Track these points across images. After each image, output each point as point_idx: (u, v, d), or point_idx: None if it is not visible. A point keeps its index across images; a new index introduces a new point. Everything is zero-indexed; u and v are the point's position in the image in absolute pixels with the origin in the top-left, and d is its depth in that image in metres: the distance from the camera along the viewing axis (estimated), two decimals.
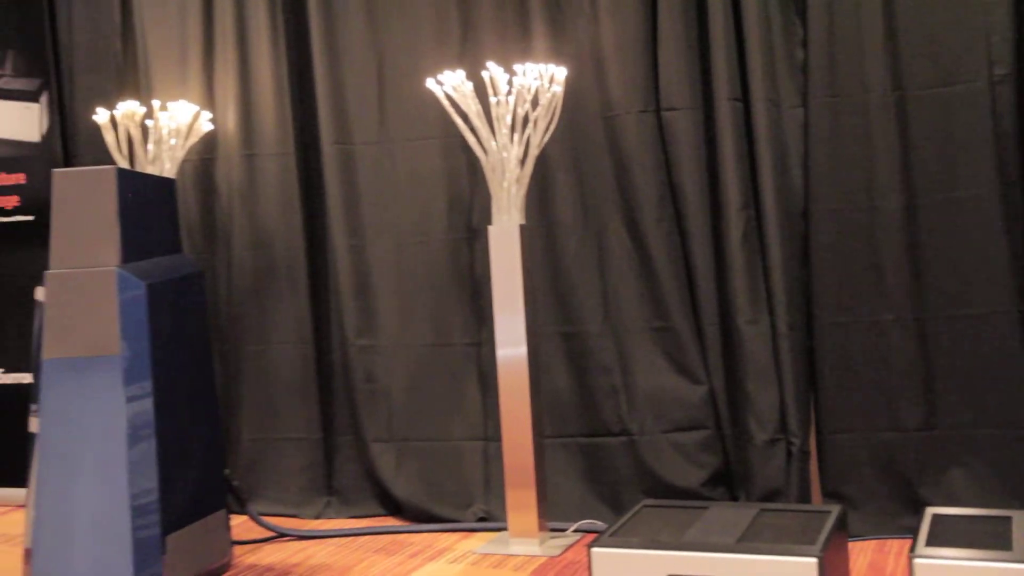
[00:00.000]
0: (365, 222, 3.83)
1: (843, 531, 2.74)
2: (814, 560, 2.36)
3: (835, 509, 2.73)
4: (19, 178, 4.23)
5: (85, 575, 2.81)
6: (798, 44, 3.35)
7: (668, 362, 3.45)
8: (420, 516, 3.68)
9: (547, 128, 3.32)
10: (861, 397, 3.29)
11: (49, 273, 2.95)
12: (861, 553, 3.06)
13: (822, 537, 2.48)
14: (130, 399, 2.88)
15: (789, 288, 3.34)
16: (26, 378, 4.22)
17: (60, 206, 2.98)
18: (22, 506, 4.14)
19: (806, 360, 3.37)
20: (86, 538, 2.84)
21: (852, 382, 3.29)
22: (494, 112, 3.29)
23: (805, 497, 3.31)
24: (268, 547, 3.53)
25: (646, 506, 2.89)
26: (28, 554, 2.90)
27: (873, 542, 3.16)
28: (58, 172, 2.99)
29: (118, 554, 2.81)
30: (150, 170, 3.71)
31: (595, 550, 2.54)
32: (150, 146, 3.74)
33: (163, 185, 3.33)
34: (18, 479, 4.17)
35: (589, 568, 2.54)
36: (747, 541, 2.51)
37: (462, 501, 3.67)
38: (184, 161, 3.82)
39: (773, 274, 3.34)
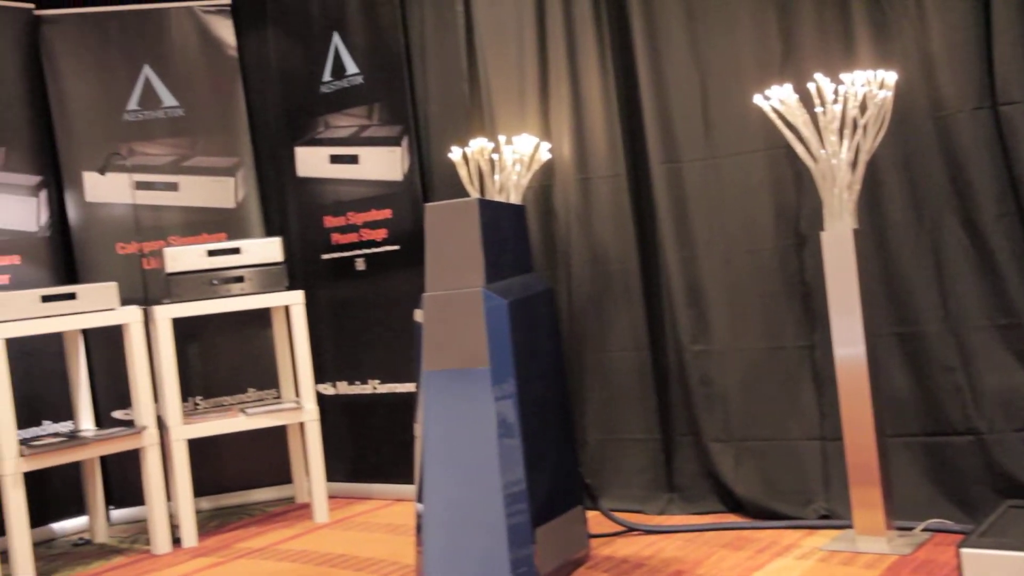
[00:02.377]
0: (695, 234, 3.89)
1: None
2: None
3: None
4: (386, 213, 4.64)
5: (467, 558, 3.06)
6: None
7: (1018, 360, 3.26)
8: (760, 513, 3.69)
9: (877, 133, 3.24)
10: None
11: (426, 296, 3.23)
12: None
13: None
14: (498, 404, 3.10)
15: None
16: (398, 388, 4.63)
17: (432, 235, 3.26)
18: (400, 500, 4.56)
19: None
20: (466, 526, 3.08)
21: None
22: (821, 121, 3.26)
23: None
24: (620, 540, 3.66)
25: (1012, 507, 2.74)
26: (419, 540, 3.19)
27: None
28: (429, 206, 3.27)
29: (495, 539, 3.02)
30: (498, 199, 3.97)
31: (965, 551, 2.45)
32: (496, 176, 4.01)
33: (515, 211, 3.56)
34: (398, 476, 4.60)
35: (959, 569, 2.44)
36: None
37: (802, 499, 3.63)
38: (526, 188, 4.06)
39: None
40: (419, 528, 3.18)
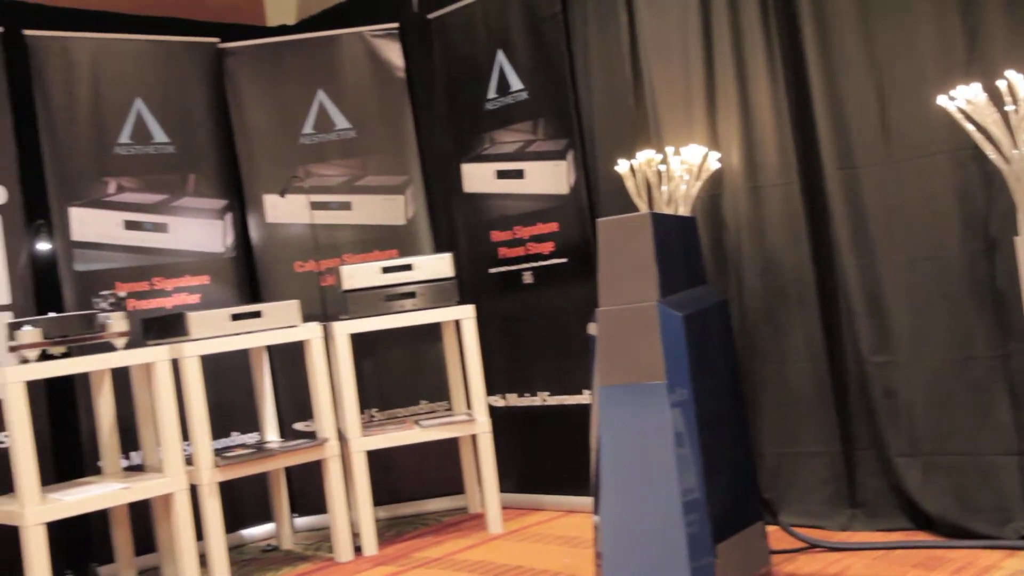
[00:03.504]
0: (873, 241, 3.71)
1: None
2: None
3: None
4: (553, 227, 4.61)
5: (647, 570, 2.99)
6: None
7: None
8: (953, 531, 3.47)
9: None
10: None
11: (600, 310, 3.18)
12: None
13: None
14: (674, 417, 3.01)
15: None
16: (568, 400, 4.59)
17: (605, 250, 3.20)
18: (573, 511, 4.51)
19: None
20: (645, 538, 3.00)
21: None
22: (1013, 120, 3.05)
23: None
24: (803, 557, 3.51)
25: None
26: (597, 553, 3.13)
27: None
28: (602, 221, 3.22)
29: (674, 551, 2.94)
30: (666, 210, 3.89)
31: None
32: (664, 188, 3.92)
33: (687, 223, 3.47)
34: (570, 487, 4.56)
35: None
36: None
37: (1000, 517, 3.40)
38: (695, 199, 3.96)
39: None
40: (598, 540, 3.13)
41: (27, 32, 4.57)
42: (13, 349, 3.81)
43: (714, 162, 3.94)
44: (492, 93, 4.79)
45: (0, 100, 4.43)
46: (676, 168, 3.89)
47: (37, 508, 3.60)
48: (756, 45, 3.91)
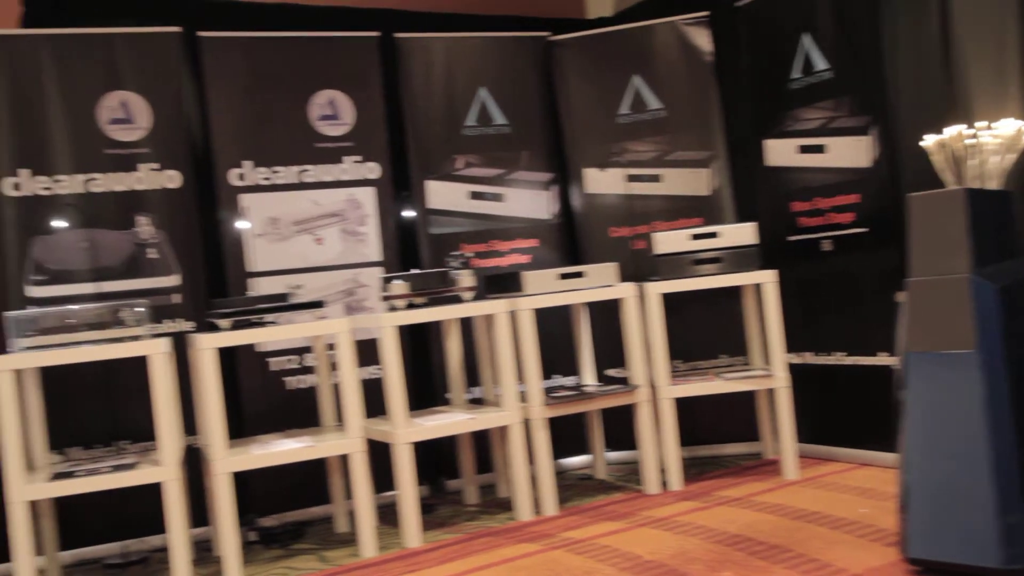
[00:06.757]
0: None
1: None
2: None
3: None
4: (854, 198, 4.50)
5: (954, 528, 2.92)
6: None
7: None
8: None
9: None
10: None
11: (911, 280, 3.11)
12: None
13: None
14: (985, 385, 2.91)
15: None
16: (863, 360, 4.49)
17: (917, 223, 3.12)
18: (866, 464, 4.42)
19: None
20: (952, 497, 2.93)
21: None
22: None
23: None
24: None
25: None
26: (902, 508, 3.10)
27: None
28: (914, 196, 3.13)
29: (983, 506, 2.85)
30: (975, 185, 3.69)
31: None
32: (974, 162, 3.72)
33: (1001, 197, 3.30)
34: (863, 442, 4.48)
35: None
36: None
37: None
38: (1008, 172, 3.73)
39: None
40: (902, 497, 3.09)
41: (397, 35, 5.03)
42: (385, 298, 4.26)
43: None
44: (796, 74, 4.71)
45: (377, 93, 4.93)
46: (987, 142, 3.68)
47: (406, 430, 4.03)
48: None
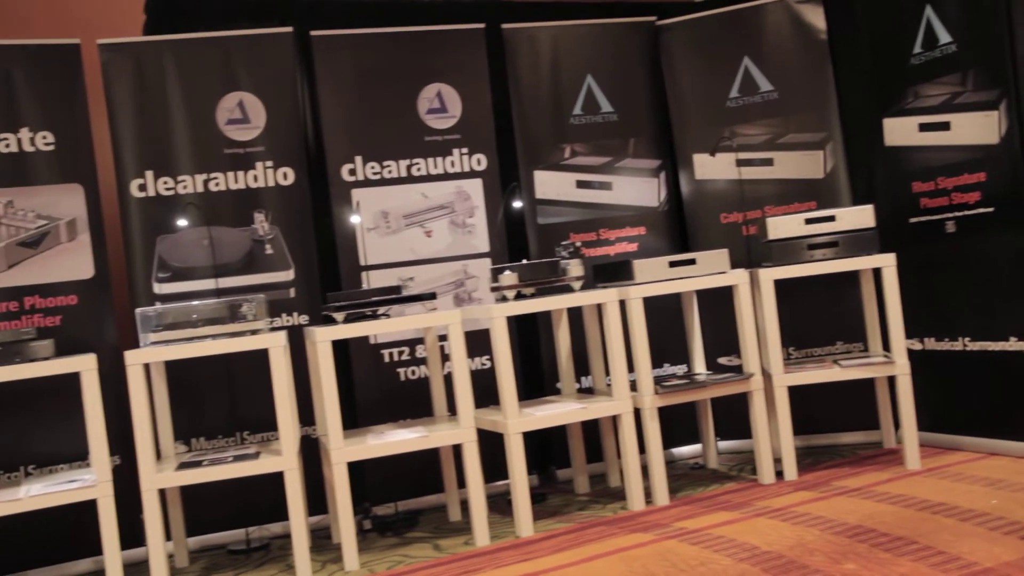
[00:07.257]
0: None
1: None
2: None
3: None
4: (979, 177, 4.28)
5: None
6: None
7: None
8: None
9: None
10: None
11: None
12: None
13: None
14: None
15: None
16: (991, 345, 4.28)
17: None
18: (993, 454, 4.21)
19: None
20: None
21: None
22: None
23: None
24: None
25: None
26: None
27: None
28: None
29: None
30: None
31: None
32: None
33: None
34: (991, 431, 4.28)
35: None
36: None
37: None
38: None
39: None
40: None
41: (504, 26, 5.03)
42: (495, 289, 4.27)
43: None
44: (917, 48, 4.51)
45: (483, 85, 4.93)
46: None
47: (517, 420, 4.04)
48: None
